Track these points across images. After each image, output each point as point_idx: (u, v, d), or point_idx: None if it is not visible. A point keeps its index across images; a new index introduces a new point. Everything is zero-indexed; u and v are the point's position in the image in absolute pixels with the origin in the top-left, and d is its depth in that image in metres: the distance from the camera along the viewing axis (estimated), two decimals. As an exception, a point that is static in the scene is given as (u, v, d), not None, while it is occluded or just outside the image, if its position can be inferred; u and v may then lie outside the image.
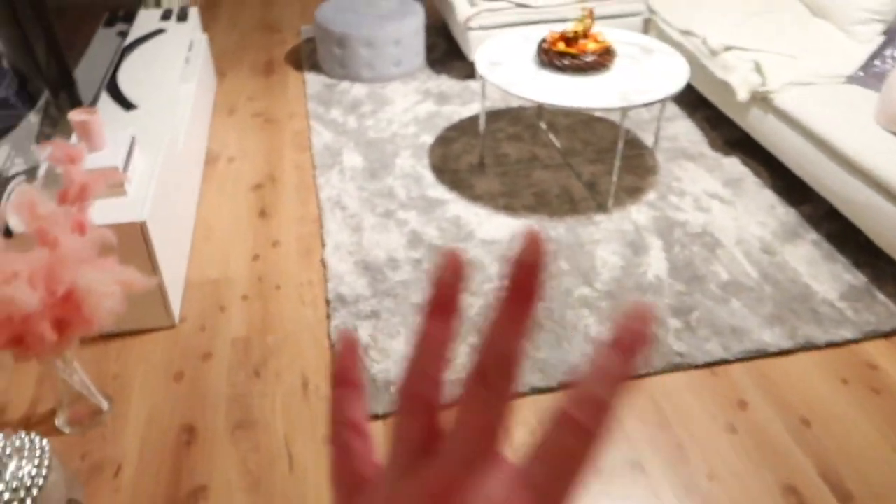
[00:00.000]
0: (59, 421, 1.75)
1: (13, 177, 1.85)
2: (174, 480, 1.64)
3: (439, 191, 2.55)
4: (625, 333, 0.24)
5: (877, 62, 2.38)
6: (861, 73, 2.40)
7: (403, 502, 0.25)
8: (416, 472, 0.25)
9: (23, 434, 1.37)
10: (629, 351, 0.24)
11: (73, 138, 1.97)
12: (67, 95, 2.09)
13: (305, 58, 3.57)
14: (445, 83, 3.30)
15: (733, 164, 2.69)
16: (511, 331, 0.25)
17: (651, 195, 2.53)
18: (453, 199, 2.50)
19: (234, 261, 2.28)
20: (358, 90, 3.24)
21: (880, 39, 2.53)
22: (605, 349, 0.24)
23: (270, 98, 3.27)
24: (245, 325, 2.04)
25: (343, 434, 0.29)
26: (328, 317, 2.03)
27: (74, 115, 1.91)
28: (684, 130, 2.92)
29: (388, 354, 1.88)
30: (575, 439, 0.23)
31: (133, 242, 1.82)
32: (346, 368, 0.29)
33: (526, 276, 0.26)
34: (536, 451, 0.24)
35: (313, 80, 3.33)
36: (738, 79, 2.54)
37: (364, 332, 1.94)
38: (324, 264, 2.23)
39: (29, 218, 1.41)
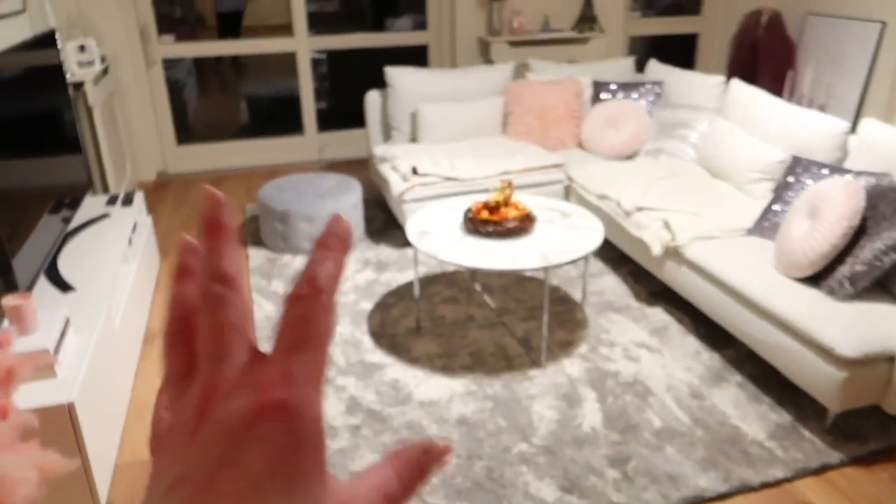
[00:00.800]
0: None
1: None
2: None
3: (377, 355, 2.59)
4: (328, 235, 0.28)
5: (769, 216, 2.62)
6: (758, 226, 2.63)
7: (181, 422, 0.28)
8: (187, 390, 0.28)
9: None
10: (334, 245, 0.28)
11: (5, 322, 1.98)
12: (3, 281, 2.13)
13: (249, 234, 3.72)
14: (384, 252, 3.45)
15: (658, 314, 2.83)
16: (219, 258, 0.28)
17: (583, 348, 2.62)
18: (391, 362, 2.55)
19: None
20: (299, 263, 3.36)
21: (770, 196, 2.80)
22: (315, 248, 0.28)
23: (214, 274, 3.34)
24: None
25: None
26: (262, 491, 1.97)
27: (7, 301, 1.95)
28: (610, 285, 3.08)
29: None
30: (308, 308, 0.27)
31: (60, 424, 1.79)
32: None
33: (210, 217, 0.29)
34: (280, 329, 0.27)
35: (256, 255, 3.46)
36: (650, 236, 2.75)
37: None
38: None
39: (-53, 404, 1.40)
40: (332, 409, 2.30)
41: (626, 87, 3.93)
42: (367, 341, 2.68)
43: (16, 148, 2.38)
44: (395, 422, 2.23)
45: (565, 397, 2.34)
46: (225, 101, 6.72)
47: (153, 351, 2.72)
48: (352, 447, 2.12)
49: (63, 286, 2.40)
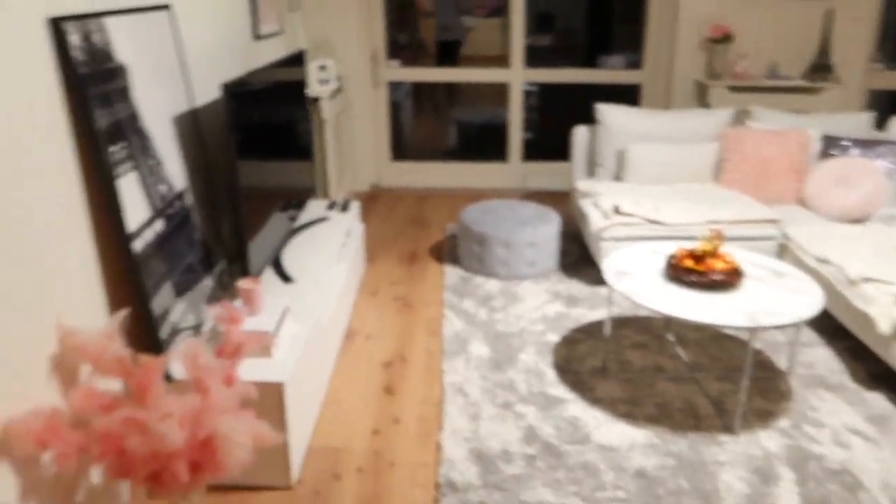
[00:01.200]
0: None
1: (183, 330, 2.11)
2: None
3: (560, 390, 2.57)
4: None
5: None
6: None
7: None
8: None
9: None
10: None
11: (237, 302, 2.23)
12: (239, 266, 2.41)
13: (447, 252, 3.87)
14: (575, 287, 3.42)
15: (878, 400, 2.53)
16: None
17: (784, 422, 2.40)
18: (573, 399, 2.51)
19: (356, 432, 2.38)
20: (492, 285, 3.44)
21: None
22: None
23: (411, 285, 3.53)
24: (356, 496, 2.08)
25: None
26: (436, 501, 2.03)
27: (242, 284, 2.19)
28: (823, 358, 2.81)
29: (490, 550, 1.83)
30: None
31: (270, 401, 1.98)
32: None
33: None
34: None
35: (451, 273, 3.59)
36: (878, 311, 2.47)
37: (468, 523, 1.92)
38: (439, 448, 2.27)
39: (190, 367, 1.61)
40: (510, 434, 2.31)
41: (863, 144, 3.58)
42: (551, 374, 2.67)
43: (260, 150, 2.68)
44: (571, 460, 2.19)
45: (758, 471, 2.16)
46: (437, 124, 7.09)
47: (352, 347, 2.92)
48: (526, 476, 2.12)
49: (285, 277, 2.66)
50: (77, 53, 1.71)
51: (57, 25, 1.67)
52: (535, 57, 5.05)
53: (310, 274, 2.71)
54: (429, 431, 2.37)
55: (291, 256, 2.87)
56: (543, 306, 3.22)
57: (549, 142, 5.23)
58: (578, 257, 3.78)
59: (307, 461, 2.23)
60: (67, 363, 1.71)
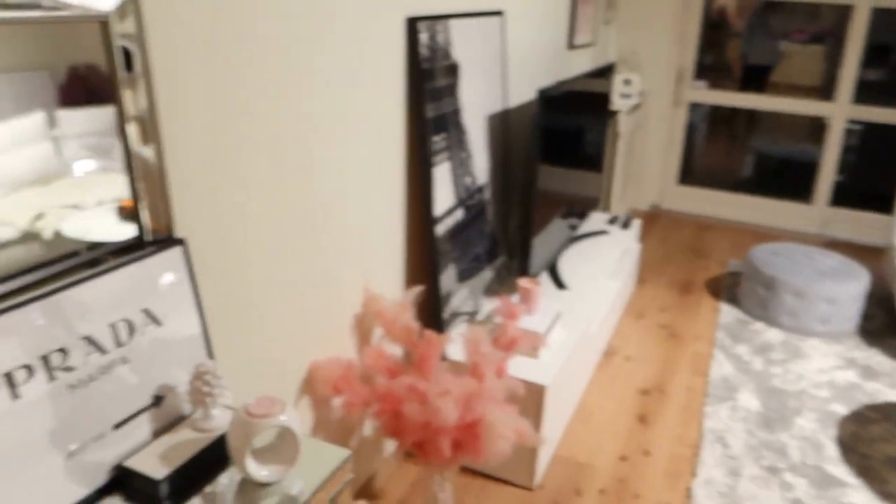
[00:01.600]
0: (414, 528, 1.95)
1: (461, 314, 2.25)
2: None
3: (841, 470, 2.26)
4: None
5: None
6: None
7: None
8: None
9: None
10: None
11: (514, 298, 2.31)
12: (519, 263, 2.49)
13: (725, 289, 3.61)
14: (875, 358, 2.98)
15: None
16: None
17: None
18: (857, 486, 2.19)
19: (603, 453, 2.33)
20: (773, 335, 3.13)
21: None
22: None
23: (680, 315, 3.36)
24: (593, 518, 2.04)
25: None
26: (678, 548, 1.91)
27: (523, 282, 2.26)
28: None
29: None
30: None
31: (531, 401, 2.02)
32: None
33: None
34: None
35: (727, 312, 3.34)
36: None
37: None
38: (689, 494, 2.13)
39: (471, 352, 1.70)
40: (772, 500, 2.09)
41: None
42: (832, 449, 2.36)
43: (555, 156, 2.73)
44: (844, 551, 1.92)
45: None
46: (731, 151, 6.63)
47: (609, 365, 2.87)
48: (785, 553, 1.90)
49: (559, 284, 2.69)
50: (423, 50, 1.89)
51: (412, 24, 1.86)
52: (863, 92, 4.48)
53: (583, 284, 2.71)
54: (679, 473, 2.24)
55: (567, 264, 2.90)
56: (832, 371, 2.85)
57: (864, 188, 4.61)
58: (884, 325, 3.28)
59: (551, 468, 2.24)
60: (366, 324, 1.91)
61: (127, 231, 1.05)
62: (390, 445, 2.17)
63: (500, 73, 2.49)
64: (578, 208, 3.23)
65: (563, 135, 2.81)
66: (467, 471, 2.19)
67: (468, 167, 2.25)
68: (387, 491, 2.11)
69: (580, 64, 3.77)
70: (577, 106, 2.91)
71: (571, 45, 3.51)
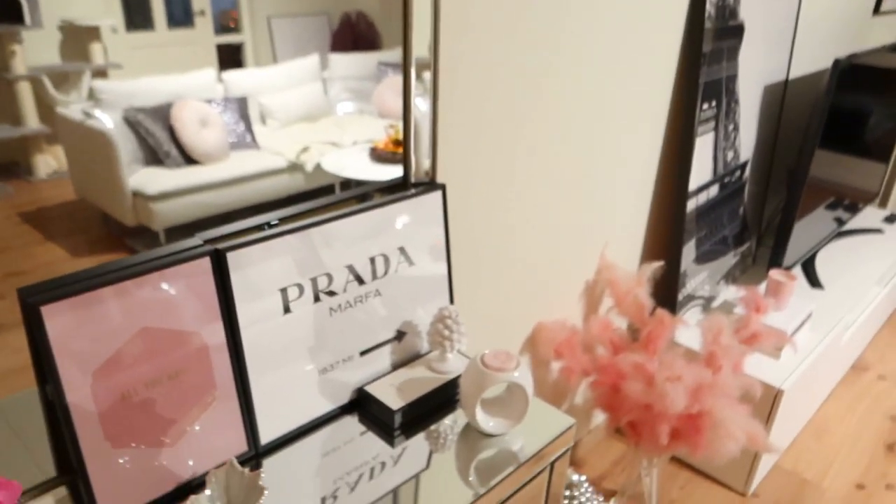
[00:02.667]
0: (613, 502, 1.91)
1: (696, 299, 2.10)
2: None
3: None
4: None
5: None
6: None
7: None
8: None
9: (601, 497, 1.55)
10: None
11: (760, 290, 2.11)
12: (771, 252, 2.25)
13: None
14: None
15: None
16: None
17: None
18: None
19: (836, 475, 2.08)
20: None
21: None
22: None
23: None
24: (814, 544, 1.85)
25: None
26: None
27: (775, 273, 2.05)
28: None
29: None
30: None
31: (762, 403, 1.85)
32: None
33: None
34: None
35: None
36: None
37: None
38: (940, 547, 1.84)
39: (709, 340, 1.58)
40: None
41: None
42: None
43: (833, 138, 2.40)
44: None
45: None
46: None
47: (857, 381, 2.54)
48: None
49: (814, 282, 2.41)
50: (709, 7, 1.74)
51: (697, -21, 1.71)
52: None
53: (841, 285, 2.40)
54: (931, 521, 1.94)
55: (827, 261, 2.58)
56: None
57: None
58: None
59: (770, 478, 2.05)
60: (597, 292, 1.86)
61: (379, 172, 1.10)
62: (599, 418, 2.13)
63: (788, 38, 2.23)
64: (849, 200, 2.84)
65: (848, 114, 2.45)
66: (676, 461, 2.09)
67: (732, 141, 2.06)
68: (587, 463, 2.09)
69: (884, 34, 3.25)
70: (872, 83, 2.52)
71: (878, 10, 3.03)
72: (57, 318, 0.72)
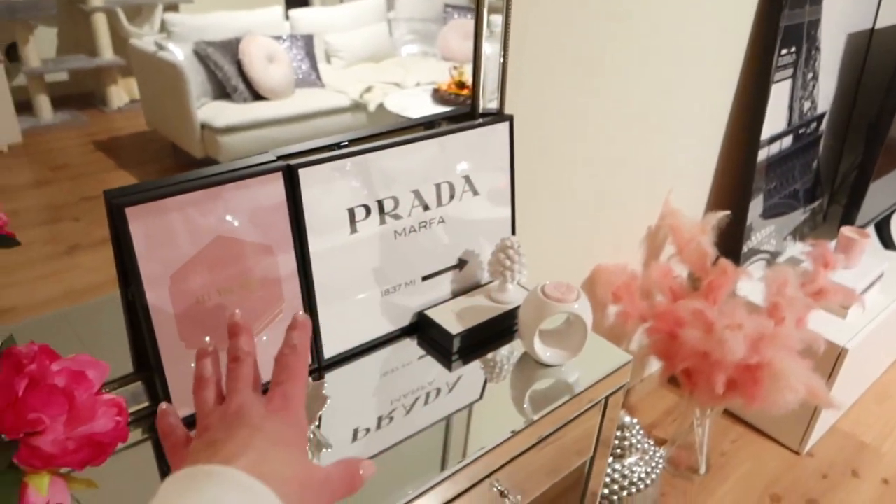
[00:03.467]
0: (661, 452, 1.92)
1: (760, 253, 2.05)
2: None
3: None
4: (294, 325, 0.58)
5: None
6: None
7: (218, 416, 0.49)
8: (215, 408, 0.50)
9: (651, 441, 1.56)
10: (296, 330, 0.57)
11: (830, 247, 2.04)
12: (844, 210, 2.17)
13: None
14: None
15: None
16: (237, 342, 0.57)
17: None
18: None
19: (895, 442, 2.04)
20: None
21: None
22: (287, 330, 0.57)
23: None
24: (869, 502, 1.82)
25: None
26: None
27: (847, 230, 1.98)
28: None
29: None
30: (292, 355, 0.54)
31: (824, 361, 1.80)
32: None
33: (233, 324, 0.59)
34: (274, 371, 0.53)
35: None
36: None
37: None
38: None
39: (773, 292, 1.55)
40: None
41: None
42: None
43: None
44: None
45: None
46: None
47: (925, 349, 2.45)
48: None
49: (887, 243, 2.31)
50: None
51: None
52: None
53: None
54: None
55: (902, 222, 2.47)
56: None
57: None
58: None
59: (826, 438, 2.02)
60: (659, 239, 1.83)
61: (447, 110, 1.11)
62: (653, 367, 2.12)
63: (877, -18, 2.10)
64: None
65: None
66: (729, 415, 2.07)
67: (809, 91, 1.97)
68: (639, 410, 2.09)
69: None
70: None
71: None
72: (140, 221, 0.75)
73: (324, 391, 0.83)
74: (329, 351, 0.96)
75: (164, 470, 0.80)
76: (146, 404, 0.86)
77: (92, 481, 0.55)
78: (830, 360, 1.79)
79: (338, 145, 0.94)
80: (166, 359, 0.81)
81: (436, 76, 1.11)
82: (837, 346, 1.78)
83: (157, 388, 0.82)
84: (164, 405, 0.56)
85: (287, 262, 0.89)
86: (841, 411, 2.08)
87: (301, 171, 0.86)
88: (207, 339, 0.81)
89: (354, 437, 0.86)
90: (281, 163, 0.86)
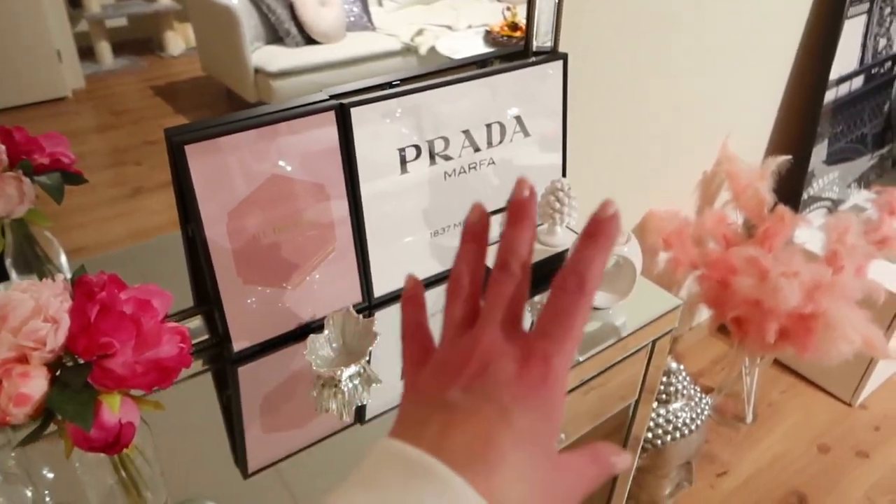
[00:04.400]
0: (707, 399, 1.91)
1: (822, 200, 1.98)
2: (759, 522, 1.63)
3: None
4: (594, 225, 0.33)
5: None
6: None
7: (456, 358, 0.34)
8: (464, 336, 0.35)
9: (698, 388, 1.55)
10: (598, 237, 0.32)
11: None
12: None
13: None
14: None
15: None
16: (518, 235, 0.35)
17: None
18: None
19: (954, 395, 1.99)
20: None
21: None
22: (580, 240, 0.33)
23: None
24: (921, 459, 1.79)
25: (418, 317, 0.38)
26: None
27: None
28: None
29: None
30: (568, 298, 0.32)
31: (883, 312, 1.75)
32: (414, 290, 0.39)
33: (519, 204, 0.35)
34: (544, 315, 0.33)
35: None
36: None
37: None
38: None
39: (833, 239, 1.50)
40: None
41: None
42: None
43: None
44: None
45: None
46: None
47: None
48: None
49: (961, 190, 2.20)
50: None
51: None
52: None
53: None
54: None
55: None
56: None
57: None
58: None
59: (881, 391, 1.98)
60: (714, 185, 1.79)
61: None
62: (702, 316, 2.10)
63: None
64: None
65: None
66: (779, 364, 2.04)
67: (888, 26, 1.85)
68: (686, 359, 2.08)
69: None
70: None
71: None
72: (198, 158, 0.77)
73: (374, 327, 0.86)
74: (379, 290, 0.98)
75: (224, 400, 0.85)
76: (206, 336, 0.90)
77: (159, 403, 0.58)
78: (891, 312, 1.74)
79: (389, 84, 0.94)
80: (224, 293, 0.84)
81: (488, 18, 1.09)
82: (899, 297, 1.73)
83: (216, 322, 0.86)
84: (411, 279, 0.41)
85: (339, 201, 0.90)
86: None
87: (353, 111, 0.87)
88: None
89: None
90: (333, 102, 0.86)
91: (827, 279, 1.42)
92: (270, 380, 0.87)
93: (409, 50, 1.02)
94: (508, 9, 1.11)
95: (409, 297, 0.39)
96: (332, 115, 0.86)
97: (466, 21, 1.08)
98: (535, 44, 1.09)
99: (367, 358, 0.86)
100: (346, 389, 0.84)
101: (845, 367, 1.86)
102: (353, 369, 0.84)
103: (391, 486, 0.29)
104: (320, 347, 0.86)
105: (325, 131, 0.86)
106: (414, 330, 0.39)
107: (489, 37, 1.11)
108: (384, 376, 0.87)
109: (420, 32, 1.04)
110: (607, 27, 1.25)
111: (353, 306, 0.92)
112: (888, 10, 1.81)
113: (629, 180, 1.55)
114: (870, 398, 1.95)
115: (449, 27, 1.06)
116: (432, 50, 1.05)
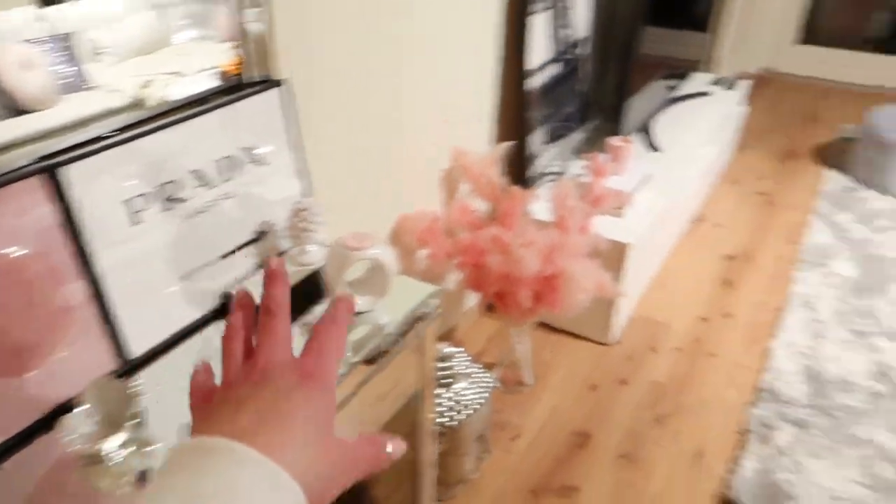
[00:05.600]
0: (491, 375, 2.08)
1: (548, 174, 2.24)
2: (553, 469, 1.81)
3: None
4: (335, 302, 0.48)
5: None
6: None
7: (242, 376, 0.44)
8: (245, 364, 0.45)
9: (479, 366, 1.69)
10: (337, 306, 0.48)
11: (602, 158, 2.27)
12: (612, 126, 2.42)
13: (832, 156, 3.41)
14: None
15: None
16: (274, 288, 0.48)
17: None
18: (948, 358, 2.14)
19: (682, 314, 2.36)
20: (882, 203, 2.97)
21: None
22: (329, 304, 0.48)
23: (779, 183, 3.22)
24: (667, 374, 2.10)
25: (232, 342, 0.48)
26: (751, 405, 1.96)
27: (613, 140, 2.21)
28: None
29: (801, 471, 1.73)
30: (330, 323, 0.47)
31: (613, 259, 2.03)
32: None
33: (271, 268, 0.49)
34: (308, 344, 0.46)
35: (833, 179, 3.17)
36: None
37: (783, 436, 1.83)
38: (768, 354, 2.15)
39: (557, 205, 1.71)
40: (857, 365, 2.08)
41: None
42: (927, 322, 2.29)
43: (659, 15, 2.55)
44: (924, 420, 1.92)
45: None
46: (861, 5, 5.96)
47: (697, 232, 2.82)
48: (865, 411, 1.91)
49: (652, 146, 2.61)
50: None
51: None
52: None
53: (677, 148, 2.62)
54: (760, 336, 2.25)
55: (663, 127, 2.79)
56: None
57: None
58: None
59: (628, 327, 2.29)
60: (453, 179, 1.94)
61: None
62: (471, 300, 2.27)
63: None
64: (680, 70, 3.06)
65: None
66: (545, 326, 2.27)
67: (567, 18, 2.15)
68: (465, 343, 2.23)
69: None
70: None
71: None
72: None
73: (135, 388, 0.83)
74: (135, 350, 0.95)
75: None
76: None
77: None
78: (617, 257, 2.03)
79: (101, 137, 0.91)
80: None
81: (220, 58, 1.09)
82: (620, 243, 2.01)
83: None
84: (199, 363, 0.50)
85: (68, 268, 0.86)
86: (627, 295, 2.36)
87: (63, 170, 0.83)
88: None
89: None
90: (38, 165, 0.82)
91: (559, 241, 1.62)
92: (33, 478, 0.80)
93: (136, 104, 0.99)
94: (237, 46, 1.12)
95: (240, 303, 0.50)
96: (39, 179, 0.81)
97: (197, 65, 1.07)
98: (252, 75, 1.12)
99: (137, 420, 0.83)
100: (117, 461, 0.81)
101: (595, 313, 2.13)
102: (120, 438, 0.80)
103: (188, 466, 0.38)
104: (80, 425, 0.81)
105: (34, 197, 0.81)
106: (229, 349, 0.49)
107: (224, 77, 1.11)
108: (170, 428, 0.84)
109: (147, 84, 1.01)
110: (331, 52, 1.31)
111: (111, 373, 0.88)
112: (565, 4, 2.10)
113: (378, 191, 1.63)
114: (622, 335, 2.25)
115: (178, 73, 1.05)
116: (163, 101, 1.03)
